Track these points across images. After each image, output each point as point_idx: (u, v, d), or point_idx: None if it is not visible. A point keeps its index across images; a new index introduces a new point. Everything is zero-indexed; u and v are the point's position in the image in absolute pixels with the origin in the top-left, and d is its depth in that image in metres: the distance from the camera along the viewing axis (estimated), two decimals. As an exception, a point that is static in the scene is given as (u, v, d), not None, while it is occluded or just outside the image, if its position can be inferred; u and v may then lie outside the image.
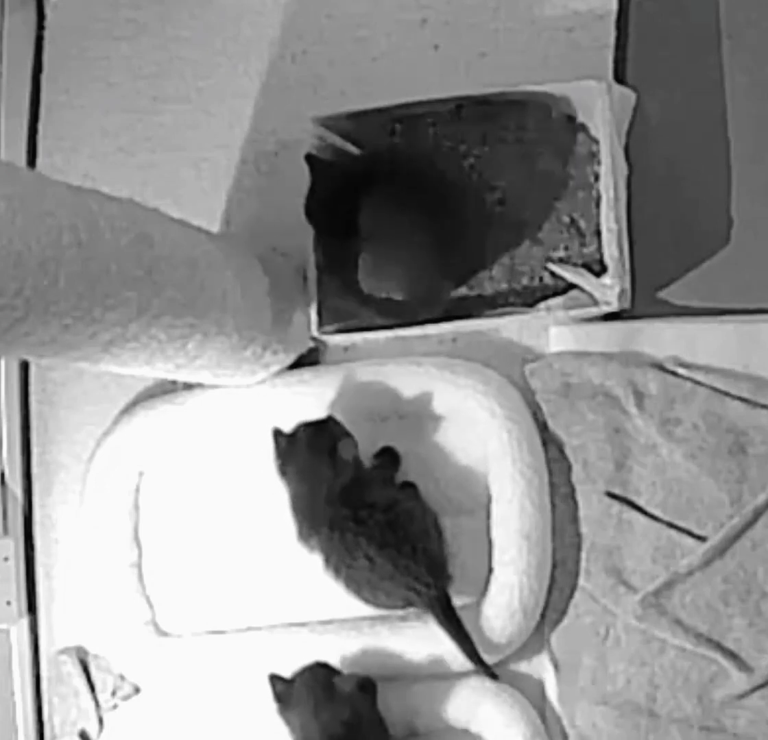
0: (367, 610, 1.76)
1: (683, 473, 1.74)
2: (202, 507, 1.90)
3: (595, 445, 1.77)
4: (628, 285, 1.76)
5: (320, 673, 1.72)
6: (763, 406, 1.71)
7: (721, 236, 1.79)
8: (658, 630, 1.71)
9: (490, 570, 1.77)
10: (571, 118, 1.80)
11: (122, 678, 1.92)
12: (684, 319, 1.78)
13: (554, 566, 1.77)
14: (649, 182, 1.81)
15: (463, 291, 1.83)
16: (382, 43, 1.93)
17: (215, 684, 1.86)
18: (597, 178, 1.78)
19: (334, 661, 1.75)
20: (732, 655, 1.69)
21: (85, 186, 1.54)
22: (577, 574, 1.76)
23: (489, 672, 1.74)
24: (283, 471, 1.76)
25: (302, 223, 1.82)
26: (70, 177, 1.62)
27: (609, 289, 1.75)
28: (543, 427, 1.80)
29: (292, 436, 1.76)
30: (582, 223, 1.79)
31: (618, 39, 1.83)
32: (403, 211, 1.78)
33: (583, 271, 1.78)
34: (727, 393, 1.73)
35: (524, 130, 1.82)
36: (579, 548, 1.76)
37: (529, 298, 1.80)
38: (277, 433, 1.77)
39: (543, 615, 1.77)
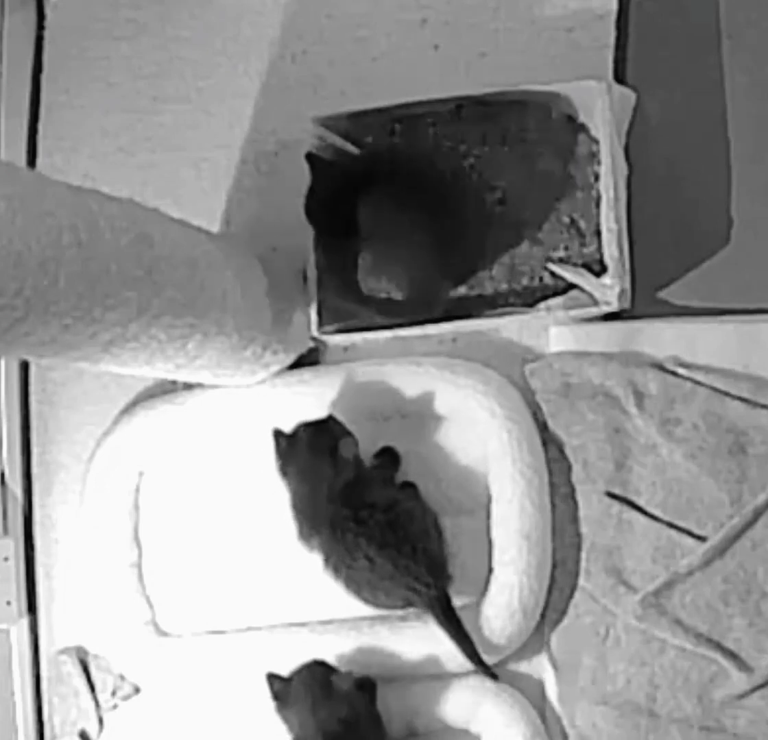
0: (367, 610, 1.76)
1: (683, 473, 1.74)
2: (202, 507, 1.90)
3: (595, 445, 1.77)
4: (628, 285, 1.76)
5: (318, 671, 1.72)
6: (763, 406, 1.72)
7: (721, 236, 1.79)
8: (658, 630, 1.71)
9: (490, 570, 1.77)
10: (571, 118, 1.80)
11: (122, 678, 1.92)
12: (684, 319, 1.78)
13: (554, 566, 1.77)
14: (649, 182, 1.81)
15: (463, 291, 1.83)
16: (382, 43, 1.93)
17: (215, 684, 1.86)
18: (597, 178, 1.78)
19: (334, 661, 1.76)
20: (732, 655, 1.69)
21: (85, 186, 1.54)
22: (577, 574, 1.76)
23: (489, 672, 1.74)
24: (284, 471, 1.76)
25: (302, 223, 1.82)
26: (70, 177, 1.62)
27: (609, 289, 1.75)
28: (543, 427, 1.80)
29: (293, 436, 1.76)
30: (582, 223, 1.79)
31: (618, 39, 1.83)
32: (402, 210, 1.78)
33: (583, 271, 1.78)
34: (727, 393, 1.73)
35: (524, 130, 1.82)
36: (579, 548, 1.76)
37: (529, 298, 1.80)
38: (278, 434, 1.77)
39: (543, 615, 1.77)
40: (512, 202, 1.82)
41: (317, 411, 1.80)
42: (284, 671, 1.73)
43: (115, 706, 1.92)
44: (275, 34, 1.97)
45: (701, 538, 1.71)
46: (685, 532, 1.72)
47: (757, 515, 1.70)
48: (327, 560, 1.72)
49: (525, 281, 1.81)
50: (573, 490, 1.78)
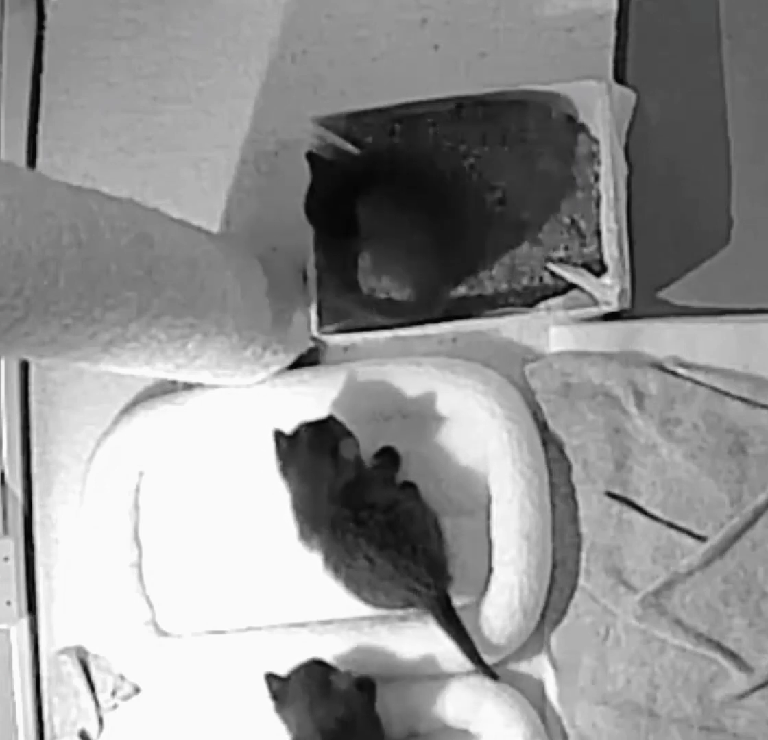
0: (367, 610, 1.76)
1: (683, 473, 1.74)
2: (202, 507, 1.90)
3: (595, 445, 1.77)
4: (628, 285, 1.76)
5: (316, 671, 1.72)
6: (763, 406, 1.72)
7: (721, 236, 1.79)
8: (658, 630, 1.71)
9: (490, 570, 1.77)
10: (571, 118, 1.80)
11: (122, 678, 1.92)
12: (684, 319, 1.78)
13: (554, 566, 1.77)
14: (649, 182, 1.81)
15: (463, 291, 1.83)
16: (382, 43, 1.93)
17: (215, 684, 1.86)
18: (597, 178, 1.78)
19: (334, 661, 1.75)
20: (732, 655, 1.69)
21: (85, 186, 1.54)
22: (577, 574, 1.76)
23: (489, 672, 1.74)
24: (285, 471, 1.76)
25: (302, 223, 1.82)
26: (70, 177, 1.62)
27: (609, 289, 1.75)
28: (543, 427, 1.80)
29: (293, 437, 1.76)
30: (582, 223, 1.79)
31: (618, 39, 1.83)
32: (402, 210, 1.78)
33: (583, 271, 1.78)
34: (727, 393, 1.73)
35: (524, 130, 1.82)
36: (579, 548, 1.76)
37: (529, 298, 1.80)
38: (278, 434, 1.77)
39: (543, 615, 1.77)
40: (512, 202, 1.82)
41: (317, 411, 1.80)
42: (284, 671, 1.73)
43: (115, 706, 1.92)
44: (275, 34, 1.97)
45: (701, 538, 1.71)
46: (685, 532, 1.72)
47: (757, 515, 1.70)
48: (327, 560, 1.72)
49: (525, 281, 1.81)
50: (573, 490, 1.78)
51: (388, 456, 1.81)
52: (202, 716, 1.87)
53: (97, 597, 1.91)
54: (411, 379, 1.83)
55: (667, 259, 1.80)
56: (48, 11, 2.08)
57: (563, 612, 1.77)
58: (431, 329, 1.82)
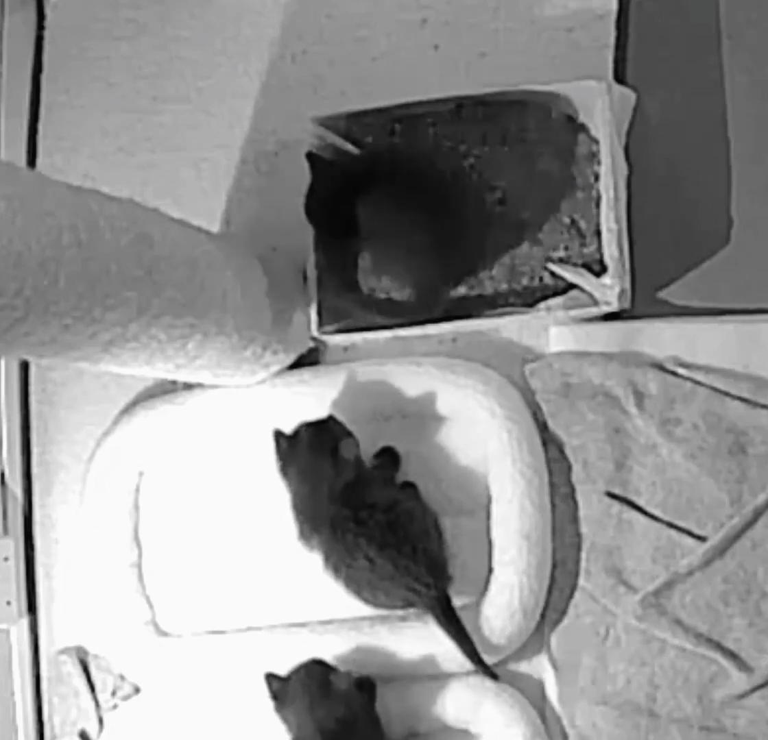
0: (367, 610, 1.76)
1: (683, 473, 1.74)
2: (202, 507, 1.90)
3: (595, 445, 1.77)
4: (628, 285, 1.76)
5: (316, 671, 1.72)
6: (763, 406, 1.72)
7: (721, 236, 1.79)
8: (658, 630, 1.71)
9: (490, 570, 1.77)
10: (571, 118, 1.80)
11: (122, 678, 1.92)
12: (684, 319, 1.78)
13: (554, 566, 1.77)
14: (649, 182, 1.81)
15: (463, 291, 1.83)
16: (382, 43, 1.93)
17: (215, 684, 1.86)
18: (597, 178, 1.78)
19: (334, 661, 1.75)
20: (732, 655, 1.69)
21: (85, 186, 1.54)
22: (577, 574, 1.76)
23: (489, 672, 1.74)
24: (285, 471, 1.76)
25: (302, 223, 1.82)
26: (70, 177, 1.62)
27: (609, 289, 1.75)
28: (543, 427, 1.80)
29: (293, 437, 1.76)
30: (582, 223, 1.79)
31: (618, 39, 1.83)
32: (402, 210, 1.78)
33: (583, 271, 1.78)
34: (727, 393, 1.73)
35: (524, 130, 1.82)
36: (579, 548, 1.76)
37: (529, 298, 1.80)
38: (278, 434, 1.76)
39: (543, 615, 1.77)
40: (512, 202, 1.82)
41: (317, 411, 1.80)
42: (284, 671, 1.73)
43: (115, 706, 1.92)
44: (275, 34, 1.97)
45: (701, 538, 1.71)
46: (685, 532, 1.72)
47: (757, 515, 1.70)
48: (327, 560, 1.72)
49: (525, 281, 1.81)
50: (573, 490, 1.78)
51: (388, 456, 1.81)
52: (202, 716, 1.87)
53: (97, 597, 1.91)
54: (411, 379, 1.83)
55: (667, 259, 1.80)
56: (48, 11, 2.08)
57: (563, 612, 1.77)
58: (431, 329, 1.82)
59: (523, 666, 1.78)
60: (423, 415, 1.83)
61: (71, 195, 1.48)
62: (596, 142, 1.78)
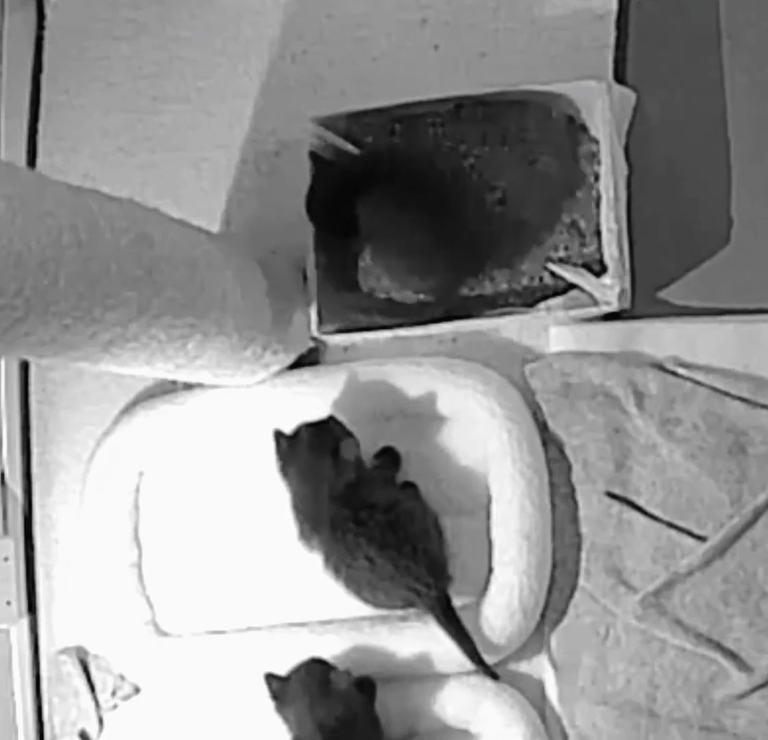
0: (367, 610, 1.76)
1: (683, 473, 1.74)
2: (202, 507, 1.90)
3: (595, 445, 1.77)
4: (628, 285, 1.76)
5: (316, 670, 1.72)
6: (763, 406, 1.72)
7: (721, 236, 1.79)
8: (658, 630, 1.71)
9: (490, 570, 1.77)
10: (571, 118, 1.80)
11: (122, 678, 1.92)
12: (684, 319, 1.78)
13: (554, 566, 1.77)
14: (649, 182, 1.81)
15: (463, 291, 1.83)
16: (382, 43, 1.93)
17: (215, 684, 1.86)
18: (597, 178, 1.78)
19: (334, 661, 1.75)
20: (732, 655, 1.69)
21: (85, 186, 1.54)
22: (577, 574, 1.76)
23: (489, 672, 1.74)
24: (285, 471, 1.76)
25: (302, 223, 1.82)
26: (70, 177, 1.62)
27: (609, 289, 1.75)
28: (543, 427, 1.80)
29: (294, 437, 1.76)
30: (582, 223, 1.79)
31: (618, 39, 1.83)
32: (403, 210, 1.78)
33: (583, 271, 1.78)
34: (727, 393, 1.73)
35: (524, 130, 1.82)
36: (579, 548, 1.76)
37: (529, 298, 1.80)
38: (279, 434, 1.76)
39: (543, 615, 1.77)
40: (512, 202, 1.82)
41: (317, 411, 1.80)
42: (284, 671, 1.73)
43: (115, 706, 1.92)
44: (275, 34, 1.97)
45: (701, 538, 1.71)
46: (685, 532, 1.72)
47: (757, 515, 1.70)
48: (327, 560, 1.72)
49: (525, 281, 1.81)
50: (573, 490, 1.78)
51: (389, 457, 1.81)
52: (202, 716, 1.87)
53: (97, 597, 1.91)
54: (411, 379, 1.83)
55: (667, 259, 1.80)
56: (48, 11, 2.08)
57: (563, 612, 1.77)
58: (431, 329, 1.82)
59: (523, 666, 1.78)
60: (423, 415, 1.83)
61: (71, 195, 1.48)
62: (596, 142, 1.78)
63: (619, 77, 1.83)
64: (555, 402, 1.79)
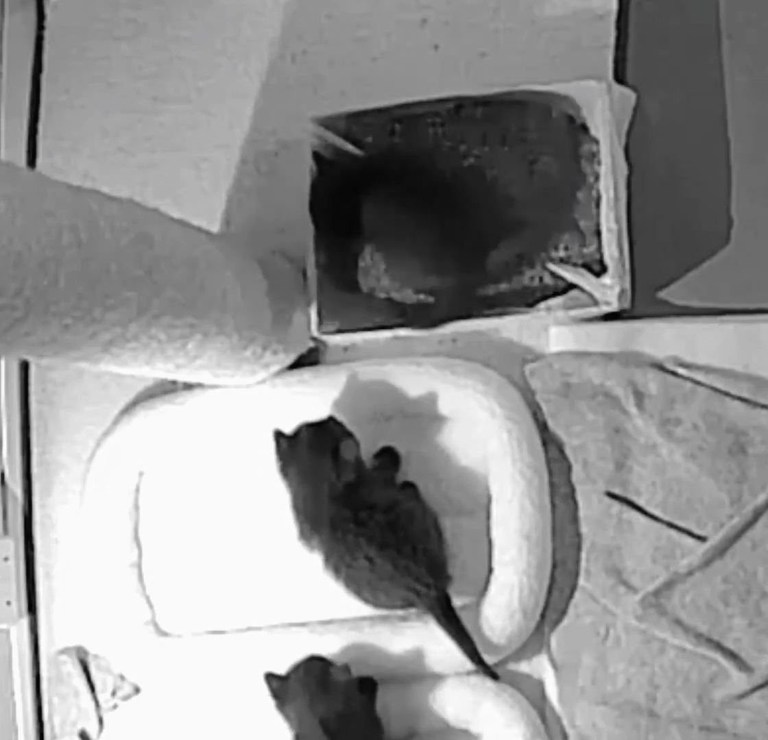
0: (367, 610, 1.76)
1: (683, 473, 1.74)
2: (202, 507, 1.90)
3: (595, 445, 1.77)
4: (628, 285, 1.76)
5: (315, 667, 1.72)
6: (763, 406, 1.72)
7: (721, 236, 1.79)
8: (658, 630, 1.71)
9: (490, 570, 1.77)
10: (571, 118, 1.80)
11: (122, 678, 1.92)
12: (684, 319, 1.78)
13: (554, 566, 1.77)
14: (649, 182, 1.81)
15: (461, 291, 1.83)
16: (382, 43, 1.93)
17: (215, 684, 1.86)
18: (597, 178, 1.78)
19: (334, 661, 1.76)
20: (732, 655, 1.69)
21: (85, 186, 1.54)
22: (577, 574, 1.76)
23: (489, 672, 1.74)
24: (285, 472, 1.76)
25: (302, 222, 1.82)
26: (70, 177, 1.62)
27: (609, 289, 1.75)
28: (543, 427, 1.80)
29: (294, 437, 1.76)
30: (582, 223, 1.79)
31: (618, 39, 1.83)
32: (406, 211, 1.78)
33: (583, 271, 1.78)
34: (727, 393, 1.73)
35: (524, 130, 1.82)
36: (579, 548, 1.76)
37: (529, 298, 1.80)
38: (279, 434, 1.76)
39: (543, 615, 1.77)
40: (512, 202, 1.82)
41: (317, 411, 1.80)
42: (284, 671, 1.73)
43: (115, 706, 1.92)
44: (275, 34, 1.97)
45: (701, 538, 1.71)
46: (685, 532, 1.72)
47: (757, 515, 1.70)
48: (327, 560, 1.72)
49: (525, 281, 1.81)
50: (573, 490, 1.78)
51: (389, 457, 1.81)
52: (202, 716, 1.87)
53: (97, 597, 1.91)
54: (411, 379, 1.83)
55: (667, 259, 1.80)
56: (48, 11, 2.08)
57: (563, 612, 1.77)
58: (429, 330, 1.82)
59: (523, 666, 1.78)
60: (423, 415, 1.83)
61: (71, 195, 1.48)
62: (596, 142, 1.78)
63: (619, 77, 1.83)
64: (555, 402, 1.79)
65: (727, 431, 1.72)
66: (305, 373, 1.87)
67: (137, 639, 1.89)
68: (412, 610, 1.75)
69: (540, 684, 1.77)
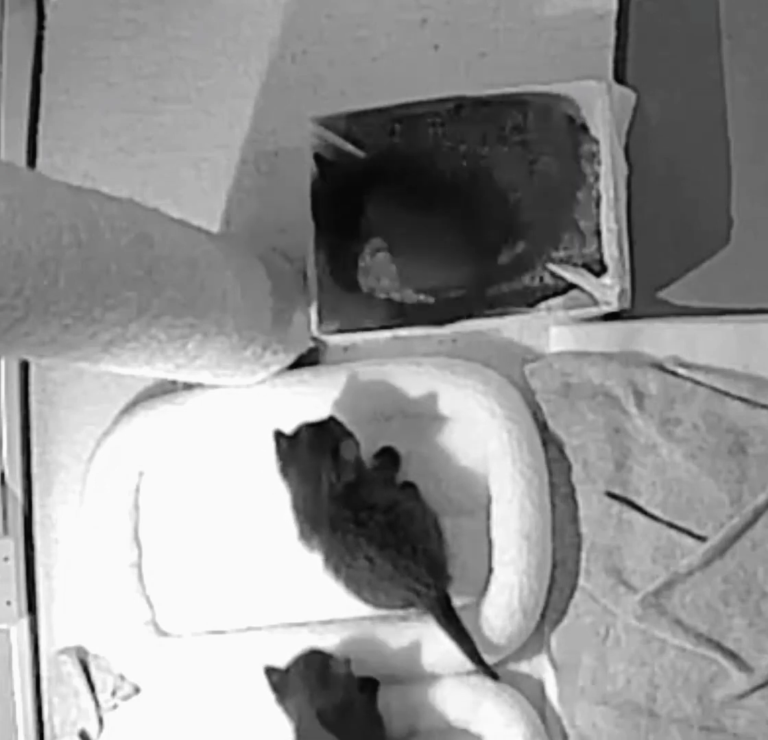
0: (367, 610, 1.77)
1: (683, 473, 1.74)
2: (202, 507, 1.90)
3: (595, 445, 1.77)
4: (628, 285, 1.76)
5: (314, 660, 1.73)
6: (763, 406, 1.71)
7: (721, 236, 1.79)
8: (658, 630, 1.71)
9: (490, 570, 1.77)
10: (571, 118, 1.80)
11: (122, 678, 1.92)
12: (684, 319, 1.78)
13: (554, 566, 1.77)
14: (649, 182, 1.81)
15: (463, 291, 1.83)
16: (382, 43, 1.93)
17: (215, 684, 1.86)
18: (597, 178, 1.78)
19: (334, 661, 1.76)
20: (732, 655, 1.69)
21: (85, 186, 1.54)
22: (577, 574, 1.76)
23: (489, 672, 1.74)
24: (285, 472, 1.76)
25: (302, 222, 1.82)
26: (70, 177, 1.62)
27: (609, 289, 1.75)
28: (543, 427, 1.80)
29: (294, 437, 1.76)
30: (582, 223, 1.79)
31: (618, 39, 1.83)
32: (408, 211, 1.78)
33: (583, 271, 1.78)
34: (727, 393, 1.73)
35: (524, 130, 1.82)
36: (579, 548, 1.76)
37: (530, 298, 1.80)
38: (279, 435, 1.76)
39: (543, 615, 1.77)
40: (512, 203, 1.82)
41: (317, 411, 1.80)
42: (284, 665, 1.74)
43: (115, 706, 1.92)
44: (275, 34, 1.97)
45: (701, 538, 1.71)
46: (685, 532, 1.72)
47: (757, 515, 1.70)
48: (327, 560, 1.72)
49: (525, 281, 1.81)
50: (573, 490, 1.78)
51: (389, 457, 1.81)
52: (202, 716, 1.87)
53: (97, 597, 1.91)
54: (411, 379, 1.83)
55: (667, 259, 1.80)
56: (48, 11, 2.08)
57: (563, 612, 1.77)
58: (431, 329, 1.82)
59: (523, 666, 1.78)
60: (423, 415, 1.83)
61: (71, 195, 1.48)
62: (596, 142, 1.78)
63: (619, 77, 1.83)
64: (555, 402, 1.79)
65: (727, 431, 1.72)
66: (305, 373, 1.87)
67: (137, 639, 1.89)
68: (412, 610, 1.75)
69: (540, 684, 1.77)
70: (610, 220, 1.75)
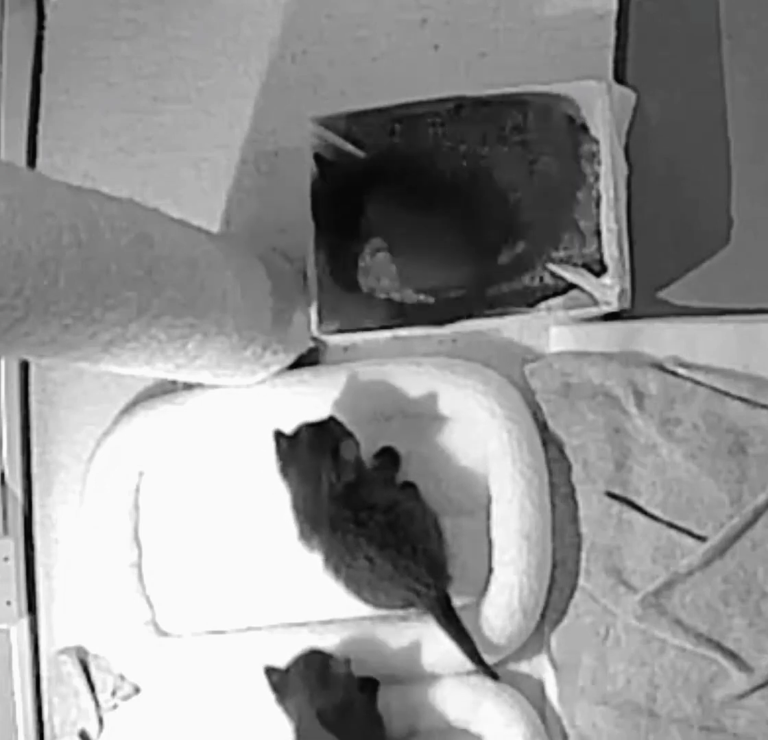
0: (367, 610, 1.76)
1: (683, 473, 1.74)
2: (202, 507, 1.90)
3: (595, 445, 1.77)
4: (628, 285, 1.76)
5: (314, 660, 1.73)
6: (763, 406, 1.72)
7: (721, 236, 1.79)
8: (658, 630, 1.71)
9: (490, 570, 1.77)
10: (571, 118, 1.80)
11: (122, 678, 1.92)
12: (684, 319, 1.78)
13: (554, 566, 1.77)
14: (649, 182, 1.81)
15: (463, 291, 1.83)
16: (382, 43, 1.93)
17: (215, 684, 1.86)
18: (597, 178, 1.78)
19: (334, 661, 1.76)
20: (732, 655, 1.69)
21: (85, 186, 1.54)
22: (577, 574, 1.76)
23: (489, 672, 1.74)
24: (285, 472, 1.76)
25: (302, 222, 1.82)
26: (70, 177, 1.62)
27: (609, 289, 1.75)
28: (543, 427, 1.80)
29: (294, 437, 1.76)
30: (582, 223, 1.79)
31: (618, 39, 1.83)
32: (408, 211, 1.78)
33: (583, 271, 1.78)
34: (727, 393, 1.73)
35: (524, 130, 1.82)
36: (579, 548, 1.76)
37: (530, 298, 1.80)
38: (279, 435, 1.76)
39: (543, 615, 1.77)
40: (512, 203, 1.82)
41: (317, 411, 1.80)
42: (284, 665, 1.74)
43: (115, 706, 1.92)
44: (275, 34, 1.97)
45: (701, 538, 1.71)
46: (685, 532, 1.72)
47: (757, 515, 1.70)
48: (327, 560, 1.72)
49: (525, 281, 1.81)
50: (573, 490, 1.78)
51: (389, 457, 1.81)
52: (202, 716, 1.87)
53: (97, 597, 1.91)
54: (411, 379, 1.83)
55: (667, 259, 1.80)
56: (48, 11, 2.08)
57: (563, 612, 1.77)
58: (431, 329, 1.82)
59: (523, 666, 1.78)
60: (423, 415, 1.83)
61: (71, 195, 1.48)
62: (596, 142, 1.78)
63: (619, 77, 1.83)
64: (555, 402, 1.79)
65: (727, 431, 1.72)
66: (305, 373, 1.87)
67: (137, 639, 1.89)
68: (412, 610, 1.75)
69: (540, 684, 1.77)
70: (610, 220, 1.75)
